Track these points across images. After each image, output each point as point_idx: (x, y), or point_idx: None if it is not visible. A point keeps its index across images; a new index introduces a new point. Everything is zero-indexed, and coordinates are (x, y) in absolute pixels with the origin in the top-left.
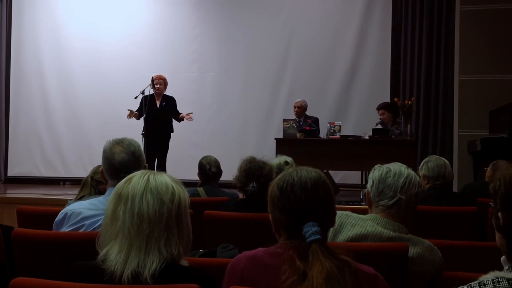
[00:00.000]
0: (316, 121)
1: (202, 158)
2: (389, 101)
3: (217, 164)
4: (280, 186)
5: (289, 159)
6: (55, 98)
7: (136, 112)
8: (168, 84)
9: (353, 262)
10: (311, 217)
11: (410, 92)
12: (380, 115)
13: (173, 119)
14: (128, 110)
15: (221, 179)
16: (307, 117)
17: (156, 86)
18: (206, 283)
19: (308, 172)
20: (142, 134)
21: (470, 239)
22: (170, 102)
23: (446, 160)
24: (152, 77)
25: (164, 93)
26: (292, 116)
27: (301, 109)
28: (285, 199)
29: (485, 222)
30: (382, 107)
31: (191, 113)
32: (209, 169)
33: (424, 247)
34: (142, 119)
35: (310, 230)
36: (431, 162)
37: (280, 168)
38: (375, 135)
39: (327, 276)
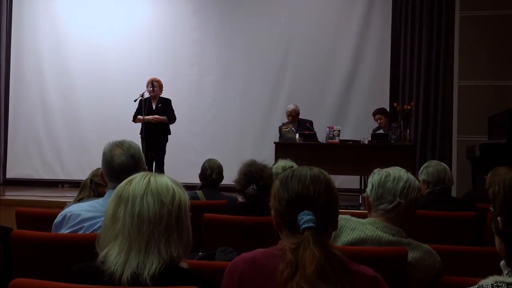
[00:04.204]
0: (311, 123)
1: (206, 161)
2: (385, 106)
3: (219, 170)
4: (281, 179)
5: (294, 165)
6: (54, 100)
7: (140, 117)
8: (164, 87)
9: (345, 258)
10: (308, 209)
11: (409, 97)
12: (377, 120)
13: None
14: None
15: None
16: (301, 120)
17: (150, 89)
18: (205, 285)
19: (310, 169)
20: (140, 136)
21: (469, 244)
22: (166, 103)
23: (446, 165)
24: (148, 80)
25: (161, 95)
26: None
27: (295, 116)
28: (284, 189)
29: (484, 227)
30: (378, 112)
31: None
32: (209, 175)
33: (423, 252)
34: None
35: (304, 218)
36: (431, 167)
37: (285, 171)
38: (374, 139)
39: (318, 265)
